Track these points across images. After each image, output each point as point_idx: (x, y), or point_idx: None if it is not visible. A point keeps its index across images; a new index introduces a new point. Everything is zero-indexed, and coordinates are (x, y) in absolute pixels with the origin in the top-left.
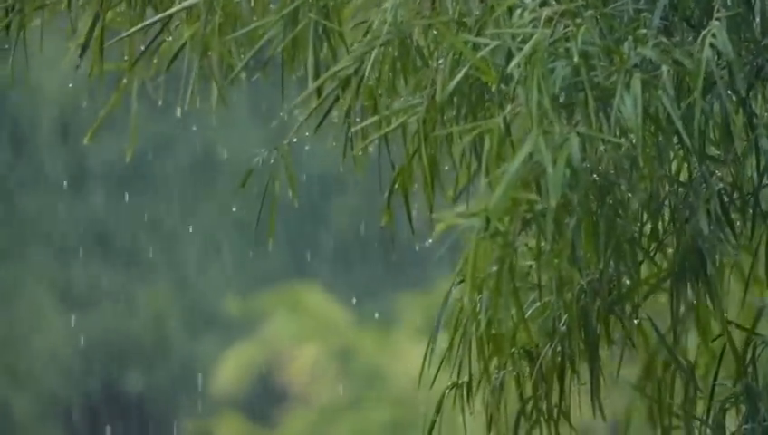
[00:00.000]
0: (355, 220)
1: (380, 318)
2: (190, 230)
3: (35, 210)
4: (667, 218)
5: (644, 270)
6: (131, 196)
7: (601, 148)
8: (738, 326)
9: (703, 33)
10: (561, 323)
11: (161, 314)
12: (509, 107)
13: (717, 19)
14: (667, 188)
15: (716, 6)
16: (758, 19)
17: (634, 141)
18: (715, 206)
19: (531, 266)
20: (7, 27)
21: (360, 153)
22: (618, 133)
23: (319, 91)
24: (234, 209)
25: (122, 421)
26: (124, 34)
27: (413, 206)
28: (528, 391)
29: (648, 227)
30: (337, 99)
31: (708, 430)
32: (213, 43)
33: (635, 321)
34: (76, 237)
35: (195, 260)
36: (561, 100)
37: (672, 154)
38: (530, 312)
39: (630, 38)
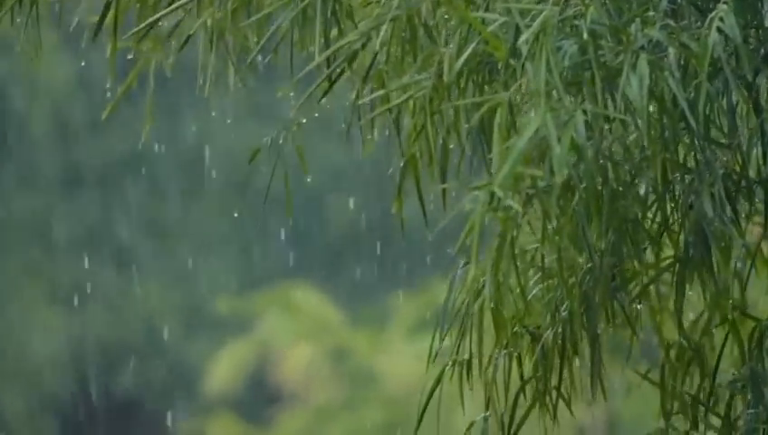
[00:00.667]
0: (349, 220)
1: (374, 318)
2: (184, 230)
3: (29, 210)
4: (672, 203)
5: (649, 257)
6: (125, 195)
7: (606, 127)
8: (743, 312)
9: (710, 16)
10: (563, 308)
11: (155, 313)
12: (516, 84)
13: (725, 3)
14: (672, 171)
15: None
16: (766, 5)
17: (639, 123)
18: (719, 189)
19: (536, 250)
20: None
21: (369, 137)
22: (623, 112)
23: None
24: (235, 215)
25: (116, 421)
26: (150, 19)
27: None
28: (528, 371)
29: (653, 211)
30: (342, 72)
31: (712, 415)
32: (226, 27)
33: (638, 306)
34: (70, 237)
35: (189, 260)
36: (567, 77)
37: (678, 140)
38: (532, 293)
39: (638, 20)
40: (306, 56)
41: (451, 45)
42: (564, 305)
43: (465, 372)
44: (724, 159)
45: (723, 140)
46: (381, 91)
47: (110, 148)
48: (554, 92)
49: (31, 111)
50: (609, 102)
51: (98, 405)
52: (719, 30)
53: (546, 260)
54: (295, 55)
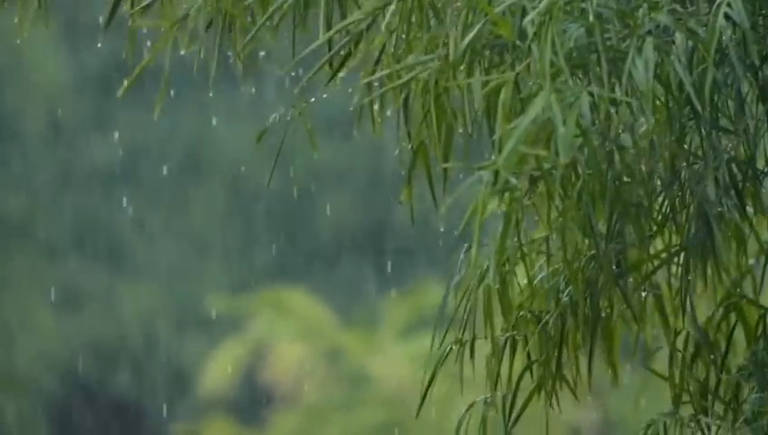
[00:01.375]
0: (342, 221)
1: (366, 319)
2: (178, 230)
3: (23, 210)
4: (679, 191)
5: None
6: (119, 196)
7: (613, 111)
8: (748, 300)
9: (717, 2)
10: (565, 293)
11: (149, 314)
12: (522, 65)
13: None
14: (677, 156)
15: None
16: None
17: (644, 106)
18: (724, 174)
19: (544, 239)
20: None
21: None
22: (629, 95)
23: (329, 50)
24: (231, 216)
25: (110, 423)
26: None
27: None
28: (531, 355)
29: (659, 196)
30: (349, 53)
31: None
32: (228, 6)
33: (643, 293)
34: (64, 237)
35: (183, 261)
36: (574, 59)
37: (684, 125)
38: (538, 278)
39: (645, 4)
40: (308, 40)
41: (457, 26)
42: (566, 292)
43: (469, 352)
44: (730, 145)
45: (729, 127)
46: (386, 71)
47: (104, 147)
48: (560, 74)
49: (24, 110)
50: (615, 88)
51: (92, 406)
52: (727, 17)
53: (551, 246)
54: (298, 42)
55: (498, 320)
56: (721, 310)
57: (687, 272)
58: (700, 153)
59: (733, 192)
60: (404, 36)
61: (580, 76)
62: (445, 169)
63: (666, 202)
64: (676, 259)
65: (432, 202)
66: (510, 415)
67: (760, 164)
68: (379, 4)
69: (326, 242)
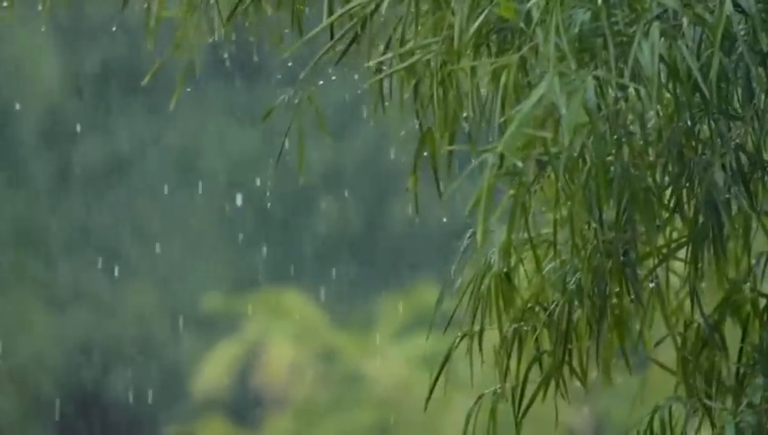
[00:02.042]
0: (337, 221)
1: (361, 320)
2: (173, 231)
3: (19, 211)
4: (687, 181)
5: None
6: (115, 196)
7: (620, 95)
8: (757, 292)
9: None
10: (572, 281)
11: (144, 315)
12: (527, 47)
13: None
14: (684, 142)
15: None
16: None
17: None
18: (731, 161)
19: (552, 226)
20: None
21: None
22: (634, 80)
23: (332, 34)
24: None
25: (105, 424)
26: None
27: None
28: (538, 346)
29: (666, 181)
30: (356, 36)
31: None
32: None
33: (650, 284)
34: (59, 238)
35: (178, 261)
36: (579, 44)
37: (691, 109)
38: (546, 269)
39: None
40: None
41: (463, 8)
42: (572, 280)
43: (477, 343)
44: (737, 132)
45: (736, 113)
46: (389, 54)
47: (99, 149)
48: (564, 58)
49: (20, 112)
50: (623, 74)
51: (87, 407)
52: (734, 3)
53: (558, 235)
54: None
55: (505, 310)
56: (725, 301)
57: (695, 262)
58: (709, 142)
59: (740, 180)
60: (411, 20)
61: (586, 61)
62: (450, 153)
63: (673, 190)
64: (684, 249)
65: (429, 203)
66: (519, 406)
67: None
68: None
69: (321, 242)
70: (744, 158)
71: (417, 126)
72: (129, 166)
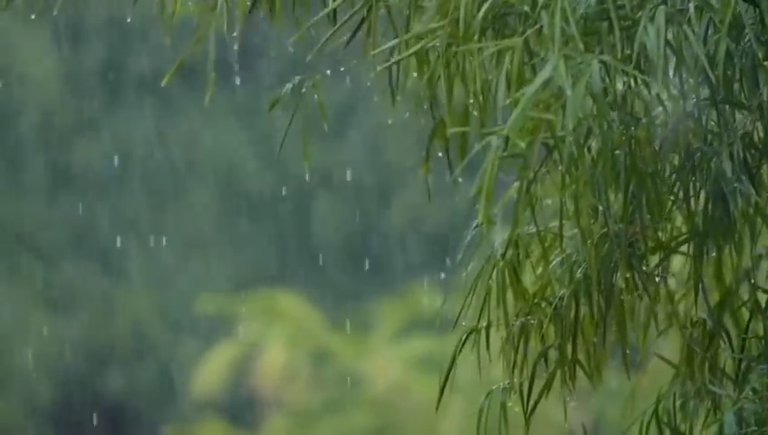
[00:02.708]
0: (334, 224)
1: (358, 322)
2: (170, 233)
3: (16, 214)
4: (692, 174)
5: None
6: (111, 199)
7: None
8: (761, 288)
9: None
10: (579, 271)
11: (141, 316)
12: (532, 29)
13: None
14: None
15: None
16: None
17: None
18: (738, 149)
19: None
20: None
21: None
22: (641, 64)
23: (334, 18)
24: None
25: (103, 425)
26: None
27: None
28: (546, 336)
29: (672, 168)
30: (362, 21)
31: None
32: None
33: (656, 278)
34: (56, 240)
35: (174, 263)
36: (584, 27)
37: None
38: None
39: None
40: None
41: None
42: (579, 270)
43: (485, 339)
44: (745, 122)
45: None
46: (395, 41)
47: (96, 150)
48: (570, 41)
49: (19, 112)
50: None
51: (84, 409)
52: None
53: (565, 226)
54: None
55: (511, 303)
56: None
57: (701, 255)
58: (716, 130)
59: (745, 168)
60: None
61: (592, 45)
62: (463, 144)
63: (680, 179)
64: (690, 243)
65: (425, 207)
66: (528, 401)
67: None
68: None
69: (317, 244)
70: (752, 147)
71: (429, 117)
72: (127, 167)
